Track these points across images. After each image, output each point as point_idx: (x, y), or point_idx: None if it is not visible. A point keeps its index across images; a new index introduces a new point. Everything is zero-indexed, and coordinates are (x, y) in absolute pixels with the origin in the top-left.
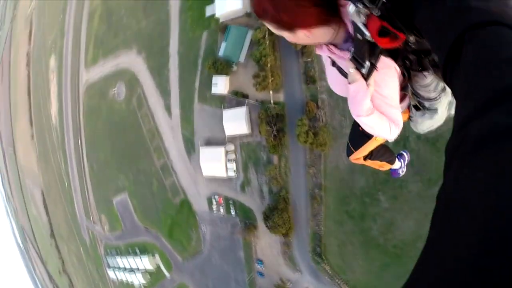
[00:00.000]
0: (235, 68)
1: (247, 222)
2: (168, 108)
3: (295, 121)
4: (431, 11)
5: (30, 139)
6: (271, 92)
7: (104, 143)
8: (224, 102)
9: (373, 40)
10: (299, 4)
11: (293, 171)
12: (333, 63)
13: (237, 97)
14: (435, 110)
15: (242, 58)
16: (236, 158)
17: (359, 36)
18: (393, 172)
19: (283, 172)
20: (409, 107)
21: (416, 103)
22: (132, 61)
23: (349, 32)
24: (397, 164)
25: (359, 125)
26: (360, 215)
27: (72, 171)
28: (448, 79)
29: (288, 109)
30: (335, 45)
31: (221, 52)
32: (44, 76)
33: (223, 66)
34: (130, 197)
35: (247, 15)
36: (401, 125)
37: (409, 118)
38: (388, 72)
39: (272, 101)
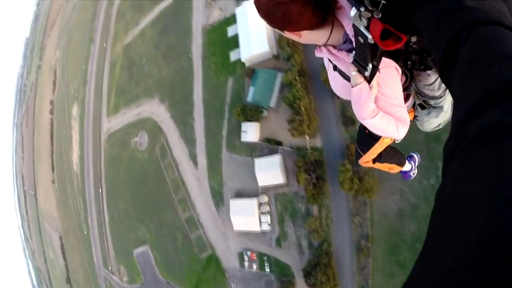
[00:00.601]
0: (265, 113)
1: (284, 279)
2: (193, 158)
3: (336, 167)
4: (427, 12)
5: (51, 184)
6: (307, 137)
7: (125, 193)
8: (255, 150)
9: (375, 43)
10: (288, 10)
11: (335, 221)
12: (335, 68)
13: (269, 145)
14: (440, 108)
15: (272, 103)
16: (271, 210)
17: (360, 39)
18: (404, 174)
19: (324, 223)
20: (414, 106)
21: (421, 102)
22: (155, 109)
23: (347, 33)
24: (407, 166)
25: (366, 128)
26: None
27: (91, 218)
28: (446, 79)
29: (326, 154)
30: (333, 46)
31: (249, 98)
32: (66, 124)
33: (253, 112)
34: (151, 249)
35: (275, 57)
36: (408, 123)
37: (415, 117)
38: (388, 71)
39: (309, 147)
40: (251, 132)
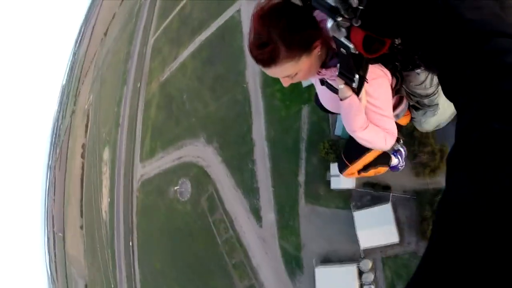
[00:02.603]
0: None
1: None
2: (256, 212)
3: None
4: (422, 24)
5: (79, 229)
6: (428, 179)
7: (161, 250)
8: (351, 199)
9: (359, 52)
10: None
11: None
12: (322, 82)
13: (374, 191)
14: (436, 105)
15: None
16: (377, 279)
17: (343, 50)
18: (391, 168)
19: None
20: (409, 108)
21: (414, 103)
22: (200, 152)
23: (334, 48)
24: (394, 161)
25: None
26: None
27: (120, 274)
28: (448, 93)
29: None
30: (323, 65)
31: (338, 131)
32: (97, 169)
33: None
34: None
35: None
36: (395, 134)
37: (412, 119)
38: (378, 81)
39: (431, 188)
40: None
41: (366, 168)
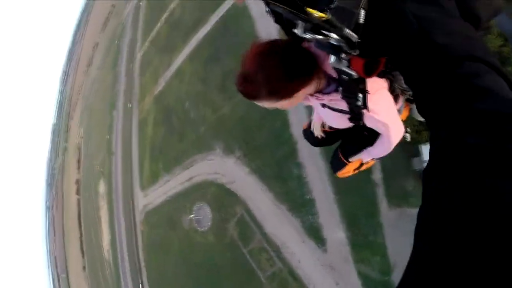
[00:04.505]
0: None
1: None
2: (314, 233)
3: None
4: (398, 47)
5: (82, 270)
6: None
7: None
8: None
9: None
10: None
11: None
12: (323, 105)
13: None
14: None
15: None
16: None
17: (345, 77)
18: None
19: None
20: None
21: (408, 96)
22: (218, 167)
23: (330, 74)
24: None
25: (359, 130)
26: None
27: None
28: (422, 112)
29: None
30: (320, 92)
31: None
32: (94, 204)
33: None
34: None
35: None
36: (403, 130)
37: (410, 109)
38: (382, 93)
39: None
40: None
41: (361, 164)
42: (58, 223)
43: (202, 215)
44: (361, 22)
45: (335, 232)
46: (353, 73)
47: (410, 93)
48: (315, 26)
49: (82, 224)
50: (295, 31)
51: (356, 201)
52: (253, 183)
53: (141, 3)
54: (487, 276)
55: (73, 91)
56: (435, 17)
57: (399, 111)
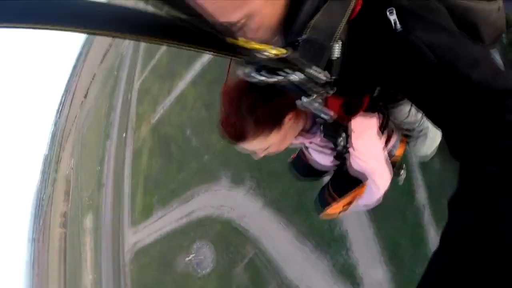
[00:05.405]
0: None
1: None
2: (347, 272)
3: None
4: (418, 83)
5: None
6: None
7: None
8: None
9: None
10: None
11: None
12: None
13: None
14: (426, 128)
15: None
16: None
17: (320, 120)
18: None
19: None
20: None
21: (405, 132)
22: (224, 200)
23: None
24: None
25: (345, 172)
26: None
27: None
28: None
29: None
30: (306, 131)
31: None
32: (79, 240)
33: None
34: None
35: None
36: (391, 175)
37: (408, 144)
38: (369, 132)
39: None
40: None
41: (351, 202)
42: (42, 258)
43: (203, 256)
44: (335, 57)
45: (374, 268)
46: (330, 113)
47: (407, 133)
48: (269, 66)
49: (67, 260)
50: (241, 72)
51: (397, 228)
52: (268, 218)
53: None
54: None
55: (67, 122)
56: (450, 44)
57: (391, 150)
